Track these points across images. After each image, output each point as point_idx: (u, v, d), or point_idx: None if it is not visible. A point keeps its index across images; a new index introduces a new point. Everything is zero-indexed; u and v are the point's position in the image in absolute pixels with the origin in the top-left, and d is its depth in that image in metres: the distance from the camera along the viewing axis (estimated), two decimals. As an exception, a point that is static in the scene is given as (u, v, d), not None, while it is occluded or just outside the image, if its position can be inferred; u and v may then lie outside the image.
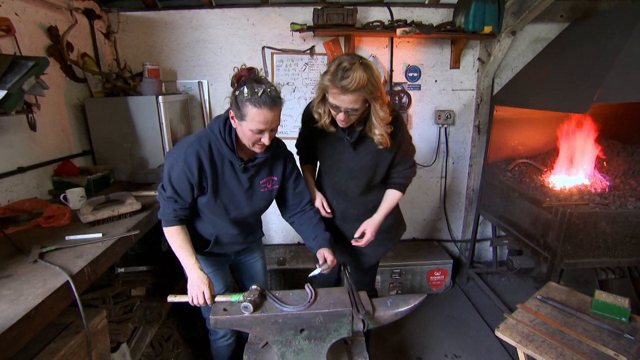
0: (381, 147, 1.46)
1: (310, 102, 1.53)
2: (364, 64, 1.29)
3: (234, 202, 1.44)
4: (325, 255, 1.45)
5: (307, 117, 1.57)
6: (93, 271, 1.28)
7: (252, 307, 1.24)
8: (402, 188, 1.64)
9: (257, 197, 1.48)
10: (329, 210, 1.65)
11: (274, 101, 1.23)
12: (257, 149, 1.33)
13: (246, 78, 1.25)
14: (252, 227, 1.64)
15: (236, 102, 1.24)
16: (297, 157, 1.66)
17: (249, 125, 1.23)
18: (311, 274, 1.45)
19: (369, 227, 1.60)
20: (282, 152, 1.51)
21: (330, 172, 1.64)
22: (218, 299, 1.34)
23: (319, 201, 1.65)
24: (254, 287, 1.32)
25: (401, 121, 1.54)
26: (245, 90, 1.20)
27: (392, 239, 1.78)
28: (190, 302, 1.35)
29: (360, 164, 1.55)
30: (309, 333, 1.27)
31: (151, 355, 2.05)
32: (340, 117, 1.39)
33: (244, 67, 1.29)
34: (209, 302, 1.32)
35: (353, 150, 1.53)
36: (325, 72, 1.35)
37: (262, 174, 1.46)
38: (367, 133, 1.46)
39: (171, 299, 1.37)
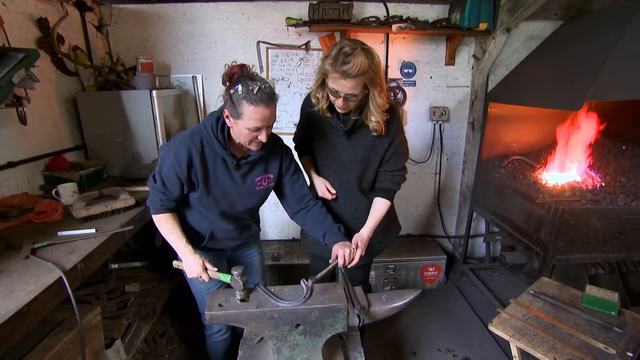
0: (375, 134, 1.46)
1: (310, 91, 1.52)
2: (366, 50, 1.29)
3: (227, 199, 1.43)
4: (336, 251, 1.41)
5: (306, 104, 1.58)
6: (86, 267, 1.27)
7: (241, 283, 1.25)
8: (391, 195, 1.61)
9: (252, 194, 1.47)
10: (333, 192, 1.62)
11: (270, 98, 1.22)
12: (253, 147, 1.32)
13: (239, 75, 1.23)
14: (247, 223, 1.63)
15: (231, 101, 1.21)
16: (294, 152, 1.65)
17: (246, 124, 1.22)
18: (318, 275, 1.37)
19: (359, 242, 1.53)
20: (279, 148, 1.48)
21: (323, 166, 1.64)
22: (210, 274, 1.39)
23: (322, 183, 1.63)
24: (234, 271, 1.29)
25: (397, 115, 1.53)
26: (240, 88, 1.18)
27: (384, 240, 1.77)
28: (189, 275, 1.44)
29: (352, 156, 1.54)
30: (304, 328, 1.27)
31: (145, 352, 2.05)
32: (339, 103, 1.38)
33: (234, 64, 1.27)
34: (206, 280, 1.39)
35: (347, 139, 1.53)
36: (327, 57, 1.34)
37: (257, 172, 1.45)
38: (364, 120, 1.45)
39: (176, 264, 1.49)
